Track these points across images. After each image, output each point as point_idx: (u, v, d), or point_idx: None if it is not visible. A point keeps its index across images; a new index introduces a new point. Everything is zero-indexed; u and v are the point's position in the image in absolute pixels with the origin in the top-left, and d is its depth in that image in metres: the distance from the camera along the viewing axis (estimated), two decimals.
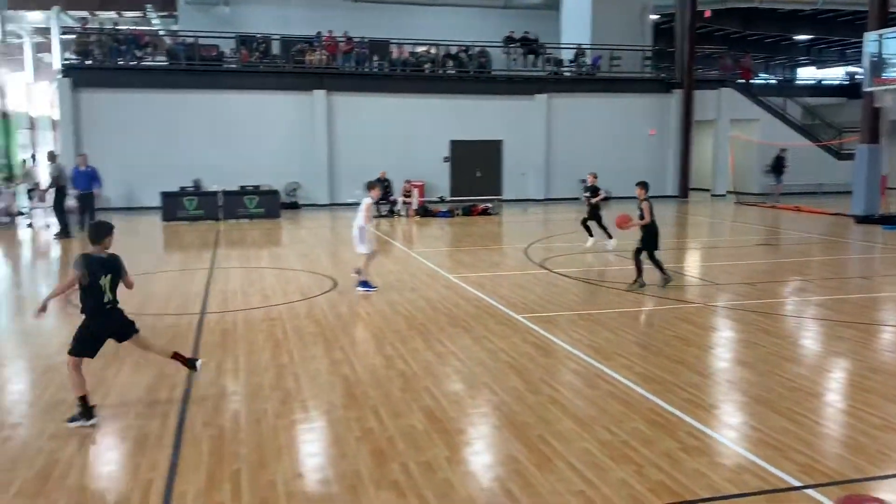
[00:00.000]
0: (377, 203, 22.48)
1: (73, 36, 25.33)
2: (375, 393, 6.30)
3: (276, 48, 26.12)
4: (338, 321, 8.93)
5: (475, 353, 7.55)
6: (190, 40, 25.15)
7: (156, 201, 21.38)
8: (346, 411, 5.88)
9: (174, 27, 32.55)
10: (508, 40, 28.09)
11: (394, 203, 22.66)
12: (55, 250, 16.09)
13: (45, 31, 41.64)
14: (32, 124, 65.02)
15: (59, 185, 17.47)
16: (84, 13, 38.76)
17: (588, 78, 28.05)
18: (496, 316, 9.16)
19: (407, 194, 22.77)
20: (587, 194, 15.32)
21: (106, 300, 5.87)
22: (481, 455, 5.14)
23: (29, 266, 14.62)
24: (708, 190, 30.34)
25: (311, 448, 5.27)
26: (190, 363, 6.26)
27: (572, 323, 8.83)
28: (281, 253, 15.39)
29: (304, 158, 25.00)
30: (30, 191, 22.11)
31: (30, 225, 19.50)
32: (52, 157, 18.77)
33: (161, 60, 24.98)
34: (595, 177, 15.48)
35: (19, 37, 39.78)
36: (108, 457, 5.12)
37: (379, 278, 11.69)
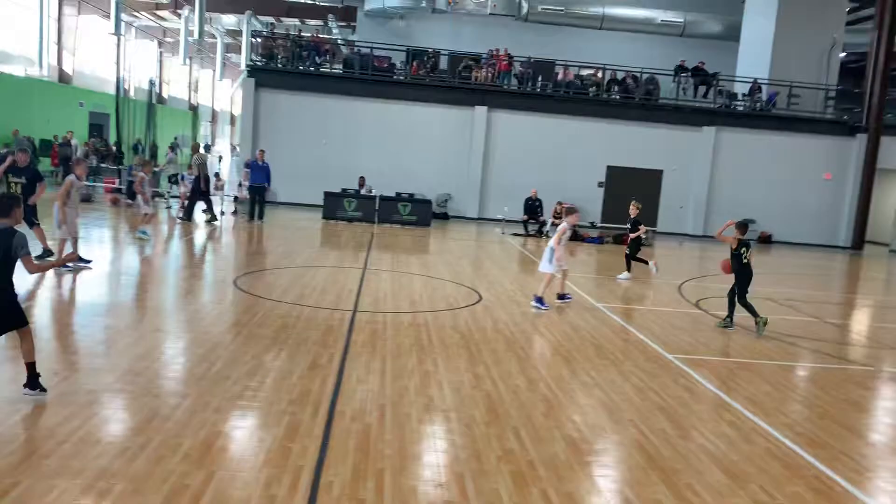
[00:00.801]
0: (525, 222, 22.56)
1: (260, 39, 27.23)
2: (517, 414, 6.23)
3: (444, 63, 26.80)
4: (482, 336, 8.94)
5: (622, 387, 7.30)
6: (365, 50, 26.34)
7: (318, 199, 22.49)
8: (488, 428, 5.85)
9: (352, 37, 34.21)
10: (680, 69, 27.24)
11: (543, 223, 22.53)
12: (229, 235, 17.29)
13: (235, 34, 45.19)
14: (214, 118, 70.63)
15: (200, 174, 18.77)
16: (271, 19, 41.69)
17: (762, 114, 26.64)
18: (646, 352, 8.83)
19: (557, 216, 22.55)
20: (628, 227, 14.86)
21: None
22: (625, 494, 4.93)
23: (202, 248, 15.73)
24: (886, 244, 27.87)
25: (452, 459, 5.27)
26: (32, 383, 5.62)
27: (728, 370, 8.34)
28: (429, 261, 15.69)
29: (458, 171, 25.45)
30: (171, 177, 23.84)
31: (205, 211, 21.03)
32: (196, 148, 20.28)
33: (337, 68, 26.30)
34: (638, 208, 14.73)
35: (213, 37, 43.31)
36: (263, 437, 5.37)
37: (524, 297, 11.63)
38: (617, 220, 25.13)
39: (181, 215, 18.57)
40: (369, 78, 25.45)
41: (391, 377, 6.94)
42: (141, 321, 8.46)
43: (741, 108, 27.14)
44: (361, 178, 23.29)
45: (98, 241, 14.65)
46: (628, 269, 14.70)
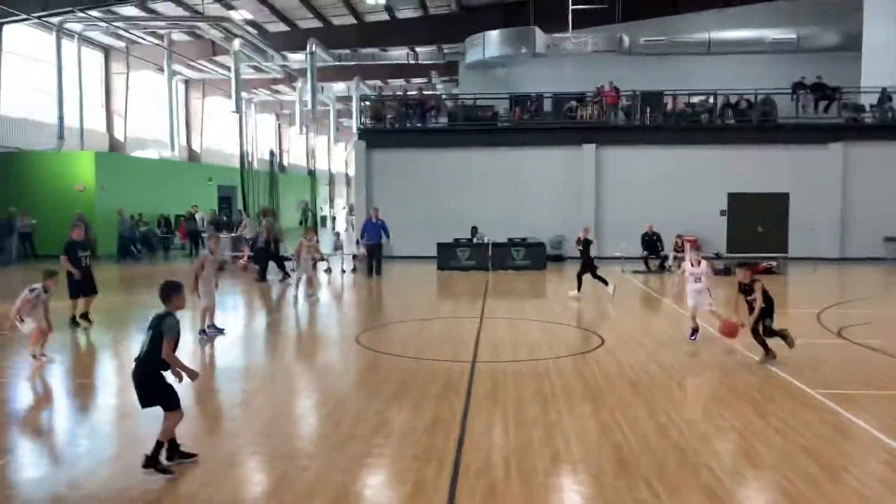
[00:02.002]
0: (645, 259, 21.93)
1: (369, 102, 28.35)
2: (648, 462, 5.95)
3: (547, 105, 26.87)
4: (606, 381, 8.67)
5: (760, 429, 6.84)
6: (468, 102, 26.84)
7: (432, 251, 22.85)
8: (617, 479, 5.62)
9: (455, 90, 35.01)
10: (798, 86, 25.99)
11: (664, 258, 21.84)
12: (349, 292, 17.79)
13: (345, 99, 47.32)
14: (331, 180, 73.76)
15: (269, 236, 19.58)
16: (378, 82, 43.41)
17: (895, 125, 24.89)
18: (785, 388, 8.27)
19: (678, 249, 21.81)
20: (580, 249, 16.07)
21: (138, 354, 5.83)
22: None
23: (325, 307, 16.27)
24: None
25: None
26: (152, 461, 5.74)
27: (880, 404, 7.66)
28: (546, 305, 15.50)
29: (570, 211, 25.20)
30: (246, 240, 24.76)
31: (328, 270, 21.81)
32: (265, 213, 21.33)
33: (442, 122, 26.94)
34: (587, 230, 16.66)
35: (325, 105, 45.55)
36: (391, 495, 5.39)
37: (648, 338, 11.24)
38: (743, 249, 24.03)
39: (256, 276, 19.38)
40: (474, 128, 25.85)
41: (515, 429, 6.84)
42: (272, 382, 8.80)
43: (870, 121, 25.48)
44: (474, 227, 23.50)
45: (232, 308, 15.48)
46: (578, 289, 15.82)
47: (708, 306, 11.04)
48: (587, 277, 15.99)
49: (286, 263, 19.58)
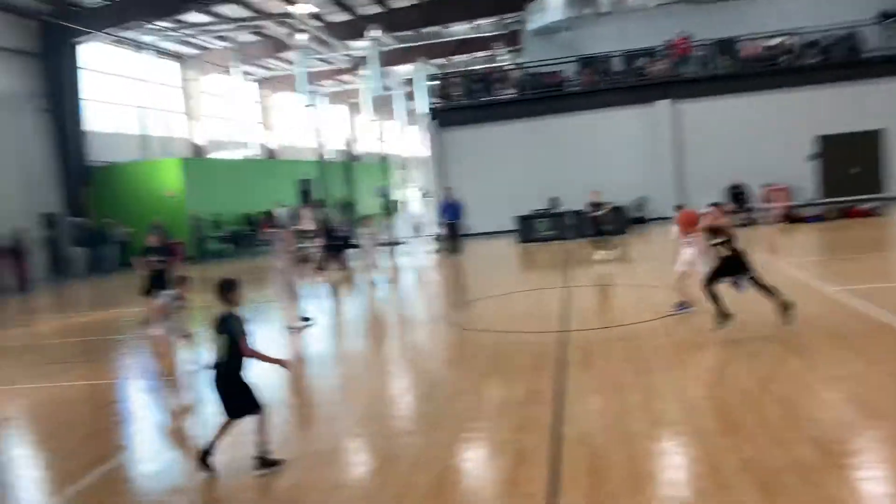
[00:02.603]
0: (733, 213, 21.14)
1: (435, 82, 28.33)
2: (751, 419, 5.81)
3: (616, 64, 26.19)
4: (702, 341, 8.47)
5: (871, 377, 6.56)
6: (535, 69, 26.46)
7: (511, 225, 22.76)
8: (721, 437, 5.50)
9: (520, 59, 34.57)
10: (883, 16, 24.41)
11: (751, 210, 21.03)
12: (432, 273, 17.98)
13: (412, 82, 47.44)
14: (405, 164, 74.35)
15: (326, 228, 19.65)
16: (442, 60, 43.28)
17: None
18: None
19: (767, 200, 20.97)
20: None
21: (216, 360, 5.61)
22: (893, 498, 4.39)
23: (409, 288, 16.49)
24: None
25: (689, 476, 5.02)
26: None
27: None
28: (632, 269, 15.23)
29: (649, 171, 24.59)
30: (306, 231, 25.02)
31: (408, 253, 22.09)
32: (317, 203, 21.47)
33: (511, 92, 26.66)
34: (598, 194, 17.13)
35: (392, 89, 45.78)
36: (494, 467, 5.46)
37: (745, 295, 10.91)
38: (838, 193, 22.88)
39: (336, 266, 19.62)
40: (543, 95, 25.48)
41: (611, 395, 6.78)
42: (367, 366, 9.02)
43: None
44: (553, 198, 23.24)
45: (318, 297, 15.88)
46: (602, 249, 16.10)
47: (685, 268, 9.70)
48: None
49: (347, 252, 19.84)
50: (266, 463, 5.59)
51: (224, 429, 5.62)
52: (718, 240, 8.56)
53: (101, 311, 15.03)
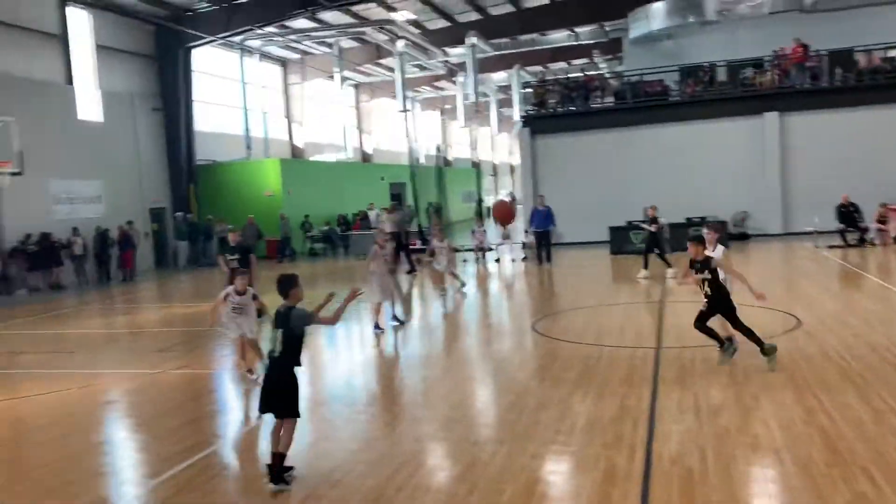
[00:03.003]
0: (842, 232, 20.00)
1: (530, 89, 28.16)
2: (865, 451, 5.42)
3: (721, 74, 25.32)
4: (807, 364, 8.01)
5: None
6: (635, 78, 25.91)
7: (604, 236, 22.31)
8: (830, 468, 5.16)
9: (619, 68, 33.95)
10: None
11: (865, 230, 19.85)
12: (520, 281, 17.85)
13: (506, 88, 47.37)
14: (495, 171, 74.33)
15: (399, 230, 19.60)
16: (539, 67, 43.01)
17: None
18: None
19: (882, 220, 19.76)
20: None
21: (269, 355, 5.69)
22: None
23: (497, 296, 16.42)
24: None
25: None
26: (276, 476, 5.44)
27: None
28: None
29: (753, 185, 23.61)
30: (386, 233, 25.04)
31: (497, 260, 22.00)
32: (393, 208, 21.69)
33: (608, 101, 26.21)
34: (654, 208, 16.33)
35: (486, 96, 45.85)
36: (581, 482, 5.31)
37: (853, 317, 10.28)
38: None
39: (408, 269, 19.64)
40: (642, 105, 24.91)
41: (707, 416, 6.49)
42: (452, 371, 8.98)
43: None
44: (650, 207, 22.64)
45: (406, 299, 16.02)
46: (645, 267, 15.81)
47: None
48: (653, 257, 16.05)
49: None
50: (279, 478, 5.41)
51: (291, 435, 5.52)
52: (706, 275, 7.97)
53: (200, 303, 15.64)
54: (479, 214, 28.74)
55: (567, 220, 23.71)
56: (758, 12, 26.71)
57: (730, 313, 8.02)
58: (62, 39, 23.43)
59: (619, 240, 21.68)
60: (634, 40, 29.29)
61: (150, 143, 27.03)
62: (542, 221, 20.25)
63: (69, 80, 23.62)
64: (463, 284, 15.68)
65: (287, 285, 5.63)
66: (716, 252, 8.45)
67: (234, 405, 8.30)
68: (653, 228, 16.31)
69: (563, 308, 13.36)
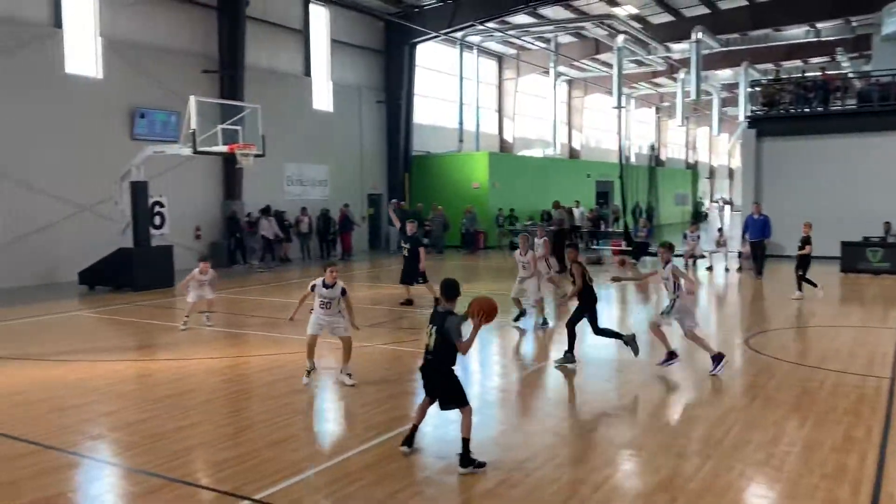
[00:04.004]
0: None
1: (759, 88, 26.24)
2: None
3: None
4: None
5: None
6: (885, 79, 23.24)
7: (833, 251, 20.28)
8: None
9: (865, 67, 30.70)
10: None
11: None
12: (733, 292, 16.77)
13: (731, 87, 44.61)
14: (712, 173, 70.40)
15: (560, 228, 18.66)
16: (769, 65, 40.04)
17: None
18: None
19: None
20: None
21: (425, 348, 5.82)
22: None
23: (706, 306, 15.53)
24: None
25: None
26: (465, 460, 5.57)
27: None
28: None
29: None
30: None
31: (709, 268, 20.81)
32: (556, 205, 20.82)
33: (850, 104, 23.78)
34: (809, 226, 14.98)
35: (708, 94, 43.48)
36: None
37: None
38: None
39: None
40: (891, 108, 22.28)
41: None
42: (653, 378, 8.64)
43: None
44: (887, 223, 20.29)
45: (606, 301, 15.67)
46: (799, 289, 14.58)
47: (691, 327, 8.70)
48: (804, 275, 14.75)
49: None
50: (468, 461, 5.55)
51: (467, 420, 5.65)
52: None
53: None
54: (695, 219, 27.29)
55: (791, 231, 21.85)
56: None
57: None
58: (304, 34, 25.61)
59: (853, 256, 19.59)
60: (886, 37, 26.29)
61: (372, 133, 28.80)
62: (758, 231, 18.84)
63: (307, 72, 25.77)
64: (521, 314, 12.17)
65: (451, 292, 5.77)
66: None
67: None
68: (804, 250, 14.78)
69: (782, 325, 12.34)
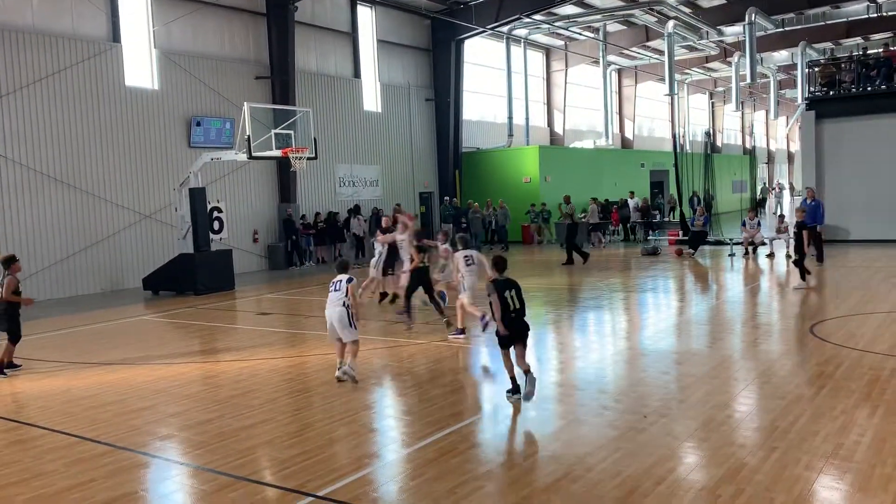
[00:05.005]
0: None
1: (818, 68, 25.42)
2: None
3: None
4: None
5: None
6: None
7: None
8: None
9: None
10: None
11: None
12: (795, 279, 16.32)
13: (788, 68, 43.30)
14: (770, 158, 68.50)
15: (572, 221, 18.34)
16: (828, 44, 38.72)
17: None
18: None
19: None
20: None
21: (511, 309, 7.13)
22: None
23: (767, 294, 15.15)
24: None
25: None
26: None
27: None
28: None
29: None
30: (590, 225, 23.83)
31: (770, 255, 20.28)
32: (568, 199, 22.05)
33: None
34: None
35: (764, 77, 42.28)
36: (866, 502, 4.74)
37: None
38: None
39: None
40: None
41: None
42: (716, 370, 8.47)
43: None
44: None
45: (664, 292, 15.41)
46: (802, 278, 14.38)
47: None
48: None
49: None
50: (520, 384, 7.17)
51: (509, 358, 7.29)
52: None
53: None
54: (753, 206, 26.55)
55: (856, 215, 21.25)
56: None
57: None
58: (352, 36, 25.88)
59: None
60: None
61: (422, 132, 28.93)
62: (811, 216, 18.24)
63: (356, 74, 26.03)
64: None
65: (505, 265, 7.47)
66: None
67: (499, 380, 8.57)
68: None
69: (849, 312, 11.94)
